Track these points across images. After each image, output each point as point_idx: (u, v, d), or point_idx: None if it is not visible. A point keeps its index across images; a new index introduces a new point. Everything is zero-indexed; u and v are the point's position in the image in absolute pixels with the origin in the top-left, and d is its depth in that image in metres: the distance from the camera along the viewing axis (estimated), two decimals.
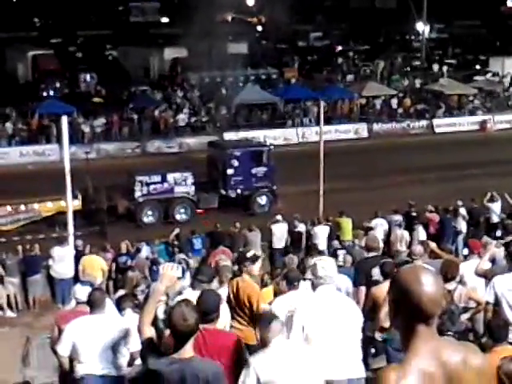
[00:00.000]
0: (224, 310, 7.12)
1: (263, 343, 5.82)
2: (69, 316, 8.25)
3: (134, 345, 7.06)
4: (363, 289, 10.22)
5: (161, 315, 6.46)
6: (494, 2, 76.62)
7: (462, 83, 48.96)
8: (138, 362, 6.89)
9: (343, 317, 6.66)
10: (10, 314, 18.91)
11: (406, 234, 20.72)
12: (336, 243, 20.57)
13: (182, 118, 40.63)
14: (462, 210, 22.68)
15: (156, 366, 5.16)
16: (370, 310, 9.15)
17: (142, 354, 5.51)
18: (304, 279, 8.46)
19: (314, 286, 6.80)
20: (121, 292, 11.85)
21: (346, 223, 22.25)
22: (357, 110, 44.25)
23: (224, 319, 6.94)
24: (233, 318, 8.07)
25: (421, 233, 21.02)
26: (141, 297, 11.27)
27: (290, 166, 29.41)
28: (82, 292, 8.36)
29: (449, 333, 6.72)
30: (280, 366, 5.56)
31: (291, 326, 6.56)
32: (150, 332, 5.52)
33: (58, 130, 29.73)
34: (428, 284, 3.10)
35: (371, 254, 10.90)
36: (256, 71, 50.93)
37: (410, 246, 18.52)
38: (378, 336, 9.10)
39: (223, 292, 8.30)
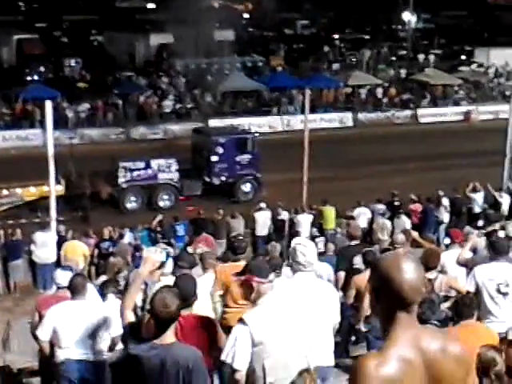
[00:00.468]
0: (202, 294, 7.06)
1: (257, 296, 5.67)
2: (50, 301, 8.22)
3: (116, 330, 7.04)
4: (342, 274, 10.27)
5: (138, 302, 6.41)
6: None
7: (447, 73, 49.07)
8: (120, 346, 6.86)
9: (318, 304, 6.55)
10: None
11: (388, 222, 20.71)
12: (314, 230, 20.56)
13: (167, 104, 40.50)
14: (445, 200, 22.73)
15: (136, 351, 5.14)
16: (354, 300, 9.17)
17: (124, 338, 5.49)
18: (289, 265, 8.41)
19: (293, 271, 6.69)
20: (103, 278, 11.79)
21: (330, 212, 22.25)
22: (342, 99, 44.29)
23: (202, 304, 6.89)
24: (229, 305, 7.92)
25: (406, 222, 21.04)
26: (122, 283, 11.23)
27: (275, 154, 29.39)
28: (62, 277, 8.33)
29: (431, 321, 6.74)
30: (274, 322, 5.36)
31: None
32: (131, 317, 5.49)
33: (42, 114, 29.51)
34: (409, 271, 3.09)
35: (353, 243, 10.96)
36: (242, 58, 50.80)
37: (392, 235, 18.56)
38: (363, 327, 9.12)
39: (208, 278, 8.25)
